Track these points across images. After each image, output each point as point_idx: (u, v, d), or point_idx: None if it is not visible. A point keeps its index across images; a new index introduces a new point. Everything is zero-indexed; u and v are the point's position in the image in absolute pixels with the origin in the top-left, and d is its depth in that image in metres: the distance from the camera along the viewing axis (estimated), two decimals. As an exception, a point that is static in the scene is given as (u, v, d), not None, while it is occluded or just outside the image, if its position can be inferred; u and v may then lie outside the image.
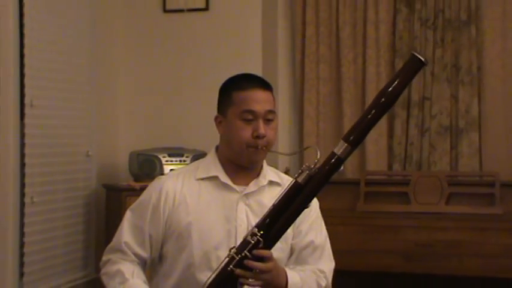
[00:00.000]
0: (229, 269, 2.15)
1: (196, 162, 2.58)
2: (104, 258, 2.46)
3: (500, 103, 4.80)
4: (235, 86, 2.41)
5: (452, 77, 4.82)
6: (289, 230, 2.33)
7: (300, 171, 2.17)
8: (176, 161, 4.41)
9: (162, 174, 3.79)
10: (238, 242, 2.21)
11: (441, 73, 4.81)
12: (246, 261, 2.15)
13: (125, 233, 2.43)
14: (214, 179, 2.43)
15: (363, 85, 4.96)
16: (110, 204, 4.45)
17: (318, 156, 2.17)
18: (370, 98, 4.87)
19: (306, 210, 2.29)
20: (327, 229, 2.58)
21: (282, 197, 2.18)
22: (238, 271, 2.14)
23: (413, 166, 4.84)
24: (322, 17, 5.01)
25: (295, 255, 2.46)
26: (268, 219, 2.16)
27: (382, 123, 4.89)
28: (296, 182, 2.16)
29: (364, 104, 4.92)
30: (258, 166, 2.46)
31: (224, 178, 2.42)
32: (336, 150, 2.14)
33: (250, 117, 2.35)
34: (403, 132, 4.89)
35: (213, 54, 4.76)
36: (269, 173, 2.48)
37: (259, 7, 4.78)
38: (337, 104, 5.05)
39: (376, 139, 4.92)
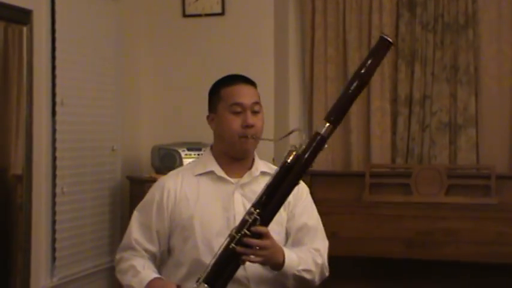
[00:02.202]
0: (230, 247, 2.20)
1: (194, 161, 2.71)
2: (117, 256, 2.56)
3: (496, 101, 4.88)
4: (222, 84, 2.52)
5: (451, 76, 4.90)
6: (284, 214, 2.48)
7: (288, 152, 2.26)
8: (194, 154, 4.46)
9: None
10: None
11: (441, 73, 4.90)
12: (245, 239, 2.20)
13: (134, 231, 2.52)
14: (210, 173, 2.50)
15: (368, 84, 5.10)
16: (133, 194, 4.51)
17: (304, 138, 2.29)
18: (374, 96, 5.00)
19: (298, 195, 2.49)
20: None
21: (274, 177, 2.26)
22: (239, 248, 2.20)
23: (415, 160, 4.91)
24: (330, 21, 5.11)
25: (291, 238, 2.52)
26: (264, 197, 2.23)
27: (386, 120, 4.99)
28: (286, 162, 2.25)
29: (369, 102, 5.02)
30: (249, 157, 2.54)
31: (219, 172, 2.50)
32: (319, 130, 2.25)
33: (238, 109, 2.44)
34: (406, 128, 4.96)
35: (228, 56, 4.84)
36: (261, 164, 2.55)
37: (272, 12, 4.88)
38: (343, 102, 5.22)
39: (380, 135, 5.01)
